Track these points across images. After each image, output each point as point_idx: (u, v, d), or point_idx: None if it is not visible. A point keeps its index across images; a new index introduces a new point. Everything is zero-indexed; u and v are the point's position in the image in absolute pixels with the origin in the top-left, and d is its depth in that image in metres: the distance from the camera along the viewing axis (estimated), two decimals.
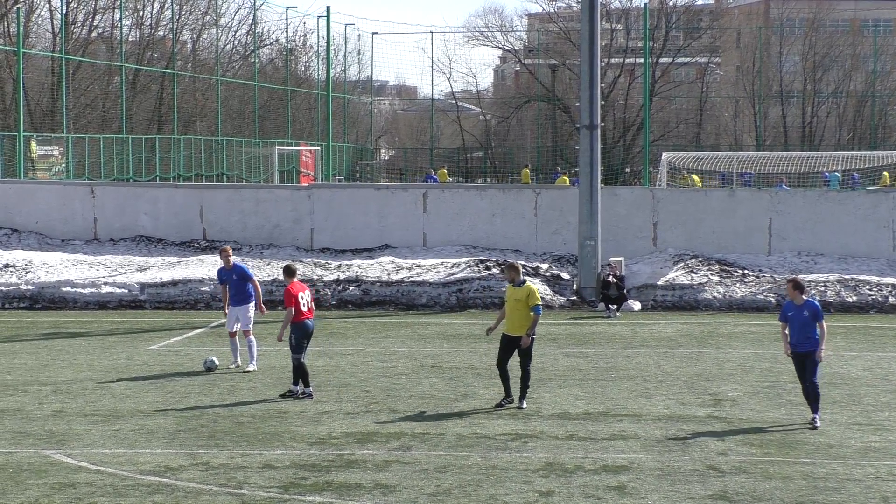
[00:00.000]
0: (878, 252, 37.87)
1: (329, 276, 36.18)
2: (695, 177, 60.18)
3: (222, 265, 25.07)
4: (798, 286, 19.88)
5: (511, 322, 20.90)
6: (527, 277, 21.66)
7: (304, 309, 21.72)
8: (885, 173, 60.55)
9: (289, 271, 22.39)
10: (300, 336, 21.71)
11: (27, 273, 36.15)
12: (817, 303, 19.95)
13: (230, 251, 25.22)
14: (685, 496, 15.42)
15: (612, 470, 16.63)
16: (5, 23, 59.76)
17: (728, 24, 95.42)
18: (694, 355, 26.57)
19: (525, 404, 20.72)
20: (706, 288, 35.53)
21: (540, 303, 20.95)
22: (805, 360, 19.62)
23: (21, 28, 52.93)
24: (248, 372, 24.41)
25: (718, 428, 19.26)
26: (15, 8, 56.54)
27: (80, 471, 16.45)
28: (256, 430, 18.98)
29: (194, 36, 75.33)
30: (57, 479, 15.96)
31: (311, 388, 21.72)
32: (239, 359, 24.77)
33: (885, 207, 38.28)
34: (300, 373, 21.67)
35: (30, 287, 35.50)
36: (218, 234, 39.84)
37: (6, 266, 36.49)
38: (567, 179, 58.38)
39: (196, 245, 39.47)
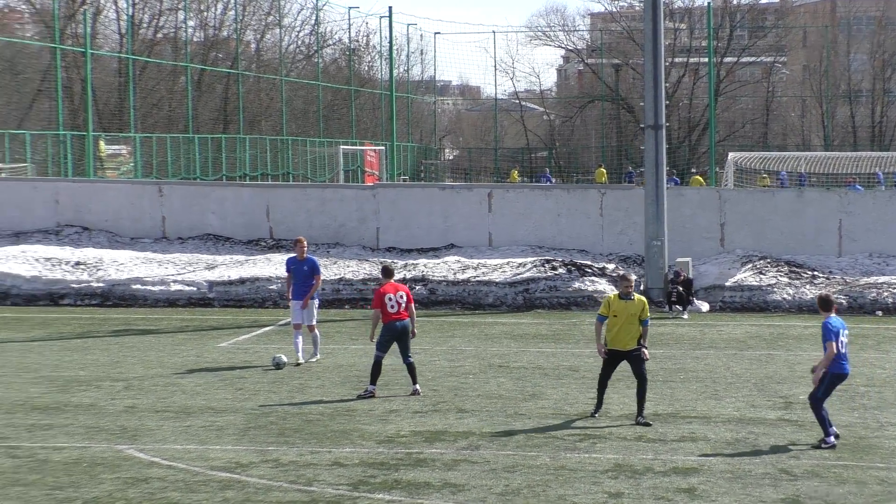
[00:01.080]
0: None
1: (395, 276, 36.23)
2: (699, 178, 59.91)
3: (294, 255, 25.43)
4: (822, 303, 18.47)
5: (622, 337, 19.86)
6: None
7: (392, 311, 21.77)
8: None
9: (386, 272, 22.60)
10: (384, 336, 21.84)
11: (98, 271, 36.50)
12: (826, 322, 18.13)
13: (305, 242, 25.59)
14: (756, 499, 15.30)
15: (682, 472, 16.53)
16: (73, 24, 60.31)
17: (794, 23, 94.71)
18: (763, 357, 26.38)
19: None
20: (775, 289, 35.28)
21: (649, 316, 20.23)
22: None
23: (88, 29, 53.42)
24: (312, 362, 24.99)
25: (790, 431, 19.09)
26: (82, 9, 57.07)
27: (153, 466, 16.59)
28: (325, 427, 19.05)
29: (258, 36, 75.76)
30: (130, 474, 16.10)
31: (373, 388, 21.76)
32: (301, 355, 24.98)
33: None
34: (374, 369, 21.77)
35: (101, 284, 35.86)
36: (284, 232, 40.05)
37: (77, 264, 36.86)
38: (702, 180, 57.58)
39: (263, 244, 39.69)
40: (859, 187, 52.01)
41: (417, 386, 22.06)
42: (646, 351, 20.11)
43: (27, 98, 60.25)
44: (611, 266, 37.01)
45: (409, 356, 22.10)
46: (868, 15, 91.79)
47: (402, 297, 22.00)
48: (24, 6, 66.78)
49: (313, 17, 75.76)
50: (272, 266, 36.52)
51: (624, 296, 19.90)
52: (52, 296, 35.74)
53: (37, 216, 40.60)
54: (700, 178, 58.90)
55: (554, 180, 68.20)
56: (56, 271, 36.35)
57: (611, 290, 35.47)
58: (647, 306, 20.10)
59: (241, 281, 35.83)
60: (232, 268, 36.84)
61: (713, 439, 18.48)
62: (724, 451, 17.78)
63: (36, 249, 37.85)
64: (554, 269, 36.29)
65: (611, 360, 20.10)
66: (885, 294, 34.39)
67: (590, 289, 35.27)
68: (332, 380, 23.30)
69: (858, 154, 64.78)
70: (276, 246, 39.33)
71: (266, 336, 29.53)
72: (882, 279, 35.42)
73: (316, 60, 76.83)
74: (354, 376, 23.60)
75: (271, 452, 17.40)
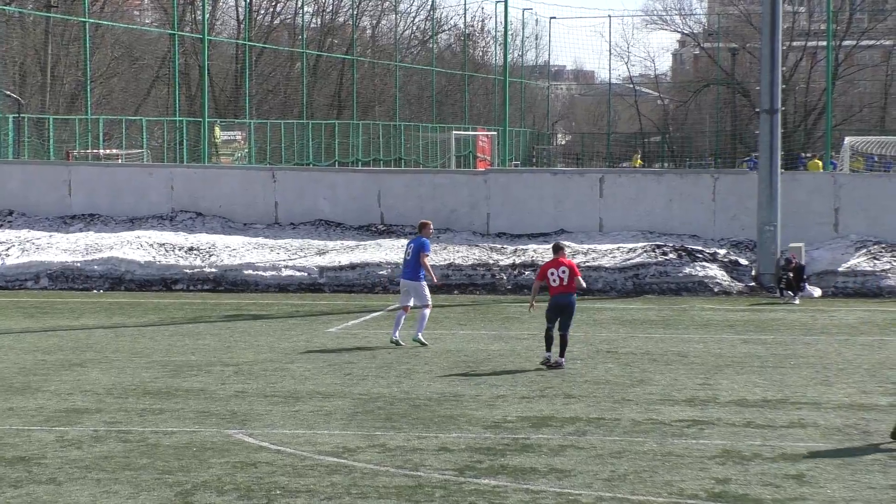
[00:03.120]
0: None
1: (505, 261, 36.28)
2: (818, 161, 58.93)
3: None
4: None
5: None
6: None
7: (554, 284, 22.94)
8: None
9: (554, 248, 23.81)
10: (548, 309, 23.14)
11: (211, 256, 36.97)
12: None
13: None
14: (866, 486, 15.11)
15: (791, 458, 16.36)
16: (192, 10, 61.03)
17: None
18: (876, 343, 26.02)
19: None
20: (889, 274, 34.79)
21: None
22: None
23: (206, 16, 54.08)
24: (418, 341, 25.38)
25: None
26: None
27: (261, 450, 16.74)
28: (432, 412, 19.10)
29: (374, 22, 76.25)
30: (239, 459, 16.25)
31: (548, 354, 22.94)
32: (398, 335, 25.28)
33: None
34: (545, 338, 23.01)
35: (213, 270, 36.30)
36: (395, 218, 40.24)
37: (191, 249, 37.36)
38: (819, 164, 57.08)
39: (374, 229, 39.89)
40: None
41: (563, 359, 22.96)
42: None
43: (145, 85, 61.26)
44: (722, 251, 36.72)
45: (565, 330, 23.08)
46: None
47: (564, 271, 22.88)
48: None
49: (429, 3, 76.06)
50: (382, 251, 36.75)
51: None
52: (165, 281, 36.27)
53: (152, 202, 41.21)
54: (819, 162, 58.14)
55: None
56: (170, 257, 36.90)
57: (721, 276, 35.19)
58: None
59: (352, 266, 36.07)
60: (342, 253, 37.10)
61: (823, 425, 18.26)
62: (833, 437, 17.57)
63: (150, 235, 38.43)
64: (664, 254, 36.08)
65: None
66: None
67: (700, 274, 35.04)
68: (440, 365, 23.37)
69: None
70: (387, 231, 39.55)
71: (375, 321, 29.71)
72: None
73: (431, 46, 77.08)
74: (462, 361, 23.68)
75: (378, 437, 17.48)
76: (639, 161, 74.31)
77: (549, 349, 23.06)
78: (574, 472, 15.65)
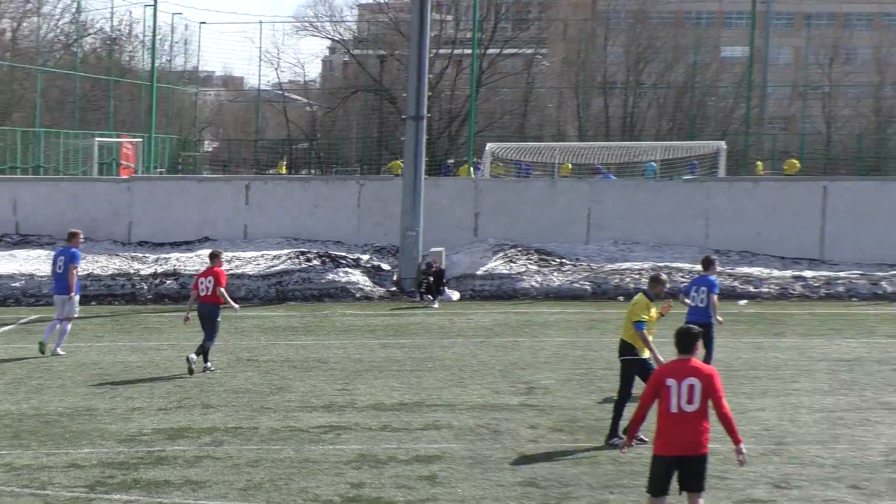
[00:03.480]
0: (692, 240, 38.48)
1: (146, 270, 35.64)
2: (468, 167, 60.28)
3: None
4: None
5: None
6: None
7: (202, 294, 23.28)
8: (759, 163, 61.10)
9: (210, 256, 24.11)
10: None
11: None
12: None
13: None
14: (495, 483, 15.51)
15: (425, 460, 16.65)
16: None
17: (556, 16, 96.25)
18: (509, 344, 26.76)
19: None
20: (524, 277, 35.83)
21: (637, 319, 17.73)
22: None
23: None
24: (57, 355, 25.01)
25: (530, 415, 19.40)
26: None
27: None
28: (64, 428, 18.59)
29: (14, 24, 73.75)
30: None
31: (191, 356, 23.02)
32: (48, 339, 25.14)
33: (700, 196, 38.97)
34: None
35: None
36: (32, 228, 39.03)
37: None
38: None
39: (8, 240, 38.54)
40: (612, 176, 53.07)
41: (208, 364, 23.34)
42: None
43: None
44: (365, 257, 37.09)
45: (205, 341, 23.37)
46: (627, 9, 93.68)
47: (210, 281, 23.19)
48: None
49: (74, 5, 74.08)
50: (16, 263, 35.48)
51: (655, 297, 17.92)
52: None
53: None
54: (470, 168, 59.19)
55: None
56: None
57: (364, 281, 35.50)
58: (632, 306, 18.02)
59: None
60: None
61: (457, 426, 18.65)
62: (466, 437, 17.97)
63: None
64: (308, 260, 36.19)
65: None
66: (628, 280, 35.25)
67: (343, 280, 35.27)
68: (73, 379, 22.74)
69: (610, 144, 66.00)
70: (22, 242, 38.26)
71: (6, 336, 28.62)
72: (625, 265, 36.31)
73: (75, 50, 75.10)
74: (98, 374, 23.12)
75: (4, 456, 16.90)
76: (284, 168, 74.29)
77: (197, 353, 23.40)
78: (209, 483, 15.51)
